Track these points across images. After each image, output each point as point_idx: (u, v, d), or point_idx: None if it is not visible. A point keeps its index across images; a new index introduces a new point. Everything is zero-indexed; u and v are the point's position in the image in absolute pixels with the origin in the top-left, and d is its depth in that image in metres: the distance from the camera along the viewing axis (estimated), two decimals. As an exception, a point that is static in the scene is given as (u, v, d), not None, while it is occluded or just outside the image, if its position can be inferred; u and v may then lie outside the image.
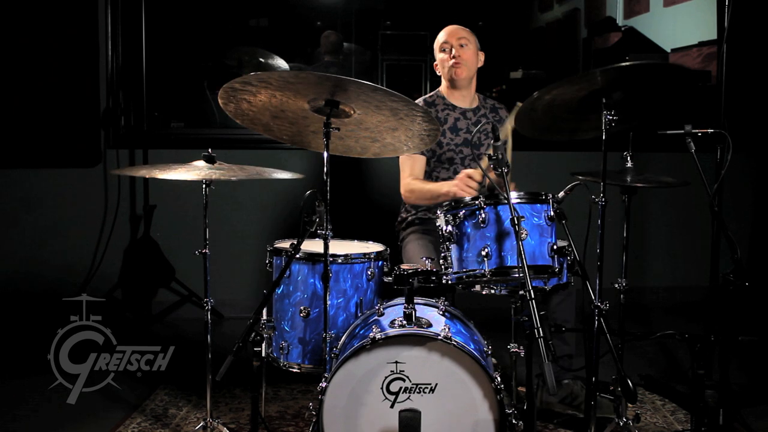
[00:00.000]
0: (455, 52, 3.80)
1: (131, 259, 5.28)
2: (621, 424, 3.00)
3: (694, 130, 3.08)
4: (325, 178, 2.71)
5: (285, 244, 3.20)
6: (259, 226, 5.43)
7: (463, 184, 3.37)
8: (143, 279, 5.28)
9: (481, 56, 3.90)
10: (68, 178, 5.26)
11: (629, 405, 3.43)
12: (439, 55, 3.89)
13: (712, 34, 6.12)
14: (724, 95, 3.45)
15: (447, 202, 2.83)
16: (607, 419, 3.10)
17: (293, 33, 6.98)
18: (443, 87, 3.96)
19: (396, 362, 2.60)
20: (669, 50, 6.78)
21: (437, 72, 3.94)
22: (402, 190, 3.79)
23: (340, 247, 3.19)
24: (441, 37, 3.89)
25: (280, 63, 6.09)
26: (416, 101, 3.81)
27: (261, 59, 6.04)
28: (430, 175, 3.84)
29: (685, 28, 6.74)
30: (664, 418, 3.56)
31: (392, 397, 2.60)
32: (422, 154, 3.78)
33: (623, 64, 2.66)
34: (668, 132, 3.12)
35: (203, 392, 3.15)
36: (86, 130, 5.24)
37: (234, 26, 6.96)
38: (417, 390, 2.60)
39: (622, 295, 3.11)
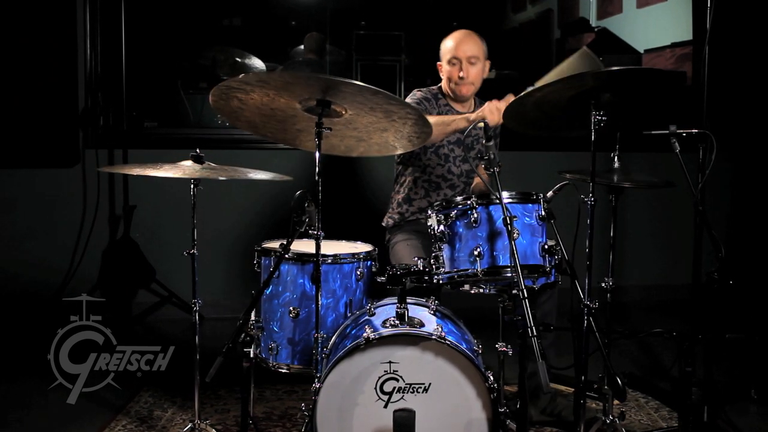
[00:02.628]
0: (464, 72, 3.69)
1: (110, 260, 5.23)
2: (608, 421, 3.03)
3: (678, 131, 3.11)
4: (316, 178, 2.70)
5: (273, 245, 3.19)
6: (239, 227, 5.41)
7: (493, 107, 3.26)
8: (123, 280, 5.22)
9: (488, 65, 3.79)
10: (46, 178, 5.21)
11: (615, 403, 3.46)
12: (445, 66, 3.75)
13: (684, 36, 6.20)
14: (706, 96, 3.48)
15: (438, 202, 2.83)
16: (593, 419, 3.11)
17: (268, 32, 6.96)
18: (445, 88, 3.84)
19: (390, 362, 2.60)
20: (642, 51, 6.84)
21: (440, 73, 3.82)
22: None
23: (328, 248, 3.18)
24: (450, 46, 3.73)
25: (256, 62, 6.08)
26: (416, 92, 3.81)
27: (237, 59, 6.04)
28: (424, 169, 3.79)
29: (658, 29, 6.79)
30: (648, 415, 3.60)
31: (386, 397, 2.61)
32: None
33: (618, 68, 2.68)
34: (654, 132, 3.15)
35: (188, 393, 3.14)
36: (64, 130, 5.18)
37: (207, 26, 6.92)
38: (410, 390, 2.60)
39: (608, 294, 3.14)
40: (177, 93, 5.90)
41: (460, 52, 3.69)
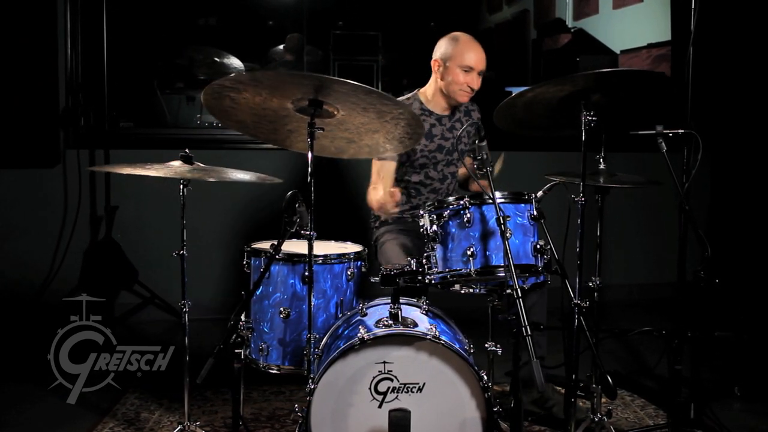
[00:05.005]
0: (475, 84, 3.63)
1: (92, 260, 5.17)
2: (596, 420, 3.05)
3: (665, 131, 3.14)
4: (309, 179, 2.70)
5: (262, 245, 3.18)
6: (220, 228, 5.37)
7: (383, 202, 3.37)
8: (105, 281, 5.17)
9: None
10: (26, 178, 5.13)
11: (603, 401, 3.49)
12: (456, 71, 3.60)
13: (661, 36, 6.26)
14: (690, 97, 3.51)
15: (430, 202, 2.83)
16: (582, 418, 3.12)
17: (245, 32, 6.94)
18: (428, 92, 3.77)
19: (384, 362, 2.60)
20: (618, 51, 6.90)
21: (434, 70, 3.69)
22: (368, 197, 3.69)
23: (318, 248, 3.16)
24: (469, 56, 3.60)
25: (235, 62, 6.07)
26: None
27: (215, 58, 6.02)
28: (401, 179, 3.77)
29: (634, 30, 6.87)
30: (634, 413, 3.63)
31: (380, 398, 2.61)
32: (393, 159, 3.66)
33: (611, 69, 2.72)
34: (640, 132, 3.18)
35: (174, 395, 3.12)
36: (45, 130, 5.11)
37: (184, 26, 6.89)
38: (405, 390, 2.60)
39: (595, 293, 3.16)
40: (153, 93, 5.86)
41: (480, 65, 3.62)
